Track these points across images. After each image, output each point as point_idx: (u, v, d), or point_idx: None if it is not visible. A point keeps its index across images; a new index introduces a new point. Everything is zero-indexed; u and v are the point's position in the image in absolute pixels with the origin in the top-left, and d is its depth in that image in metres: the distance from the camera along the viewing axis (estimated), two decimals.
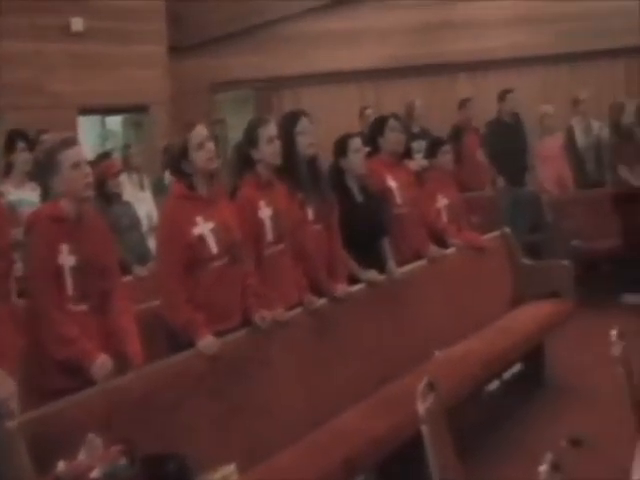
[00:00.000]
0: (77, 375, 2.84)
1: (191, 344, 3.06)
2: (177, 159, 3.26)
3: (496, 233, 5.38)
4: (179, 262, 3.13)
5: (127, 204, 5.42)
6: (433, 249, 4.66)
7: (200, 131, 3.25)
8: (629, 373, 2.79)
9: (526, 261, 5.38)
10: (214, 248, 3.19)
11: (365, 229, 4.11)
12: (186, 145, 3.22)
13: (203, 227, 3.18)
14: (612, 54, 10.76)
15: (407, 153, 5.02)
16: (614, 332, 2.84)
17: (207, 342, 3.06)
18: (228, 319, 3.24)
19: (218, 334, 3.12)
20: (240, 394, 3.10)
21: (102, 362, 2.87)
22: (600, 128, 7.45)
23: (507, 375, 4.58)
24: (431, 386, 2.44)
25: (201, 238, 3.17)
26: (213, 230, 3.20)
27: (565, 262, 5.25)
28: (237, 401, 3.08)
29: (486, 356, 4.15)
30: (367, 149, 4.34)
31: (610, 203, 6.68)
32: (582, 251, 6.60)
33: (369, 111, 7.63)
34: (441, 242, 4.85)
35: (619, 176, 6.59)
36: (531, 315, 4.89)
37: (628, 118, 6.62)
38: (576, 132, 7.43)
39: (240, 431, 3.04)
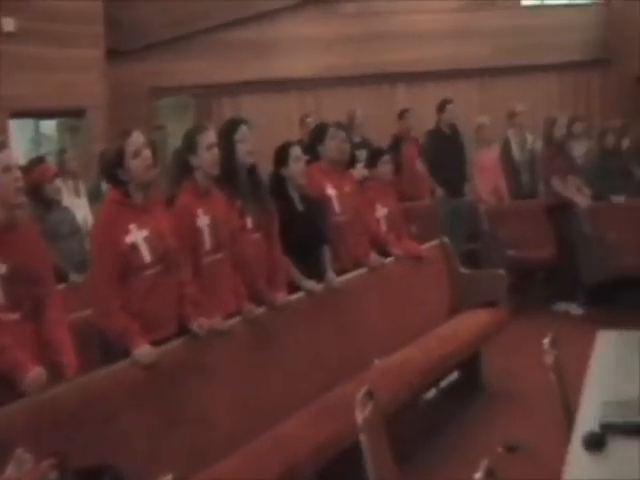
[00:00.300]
0: (8, 387, 2.75)
1: (126, 353, 3.00)
2: (112, 166, 3.19)
3: (434, 242, 5.45)
4: (112, 270, 3.07)
5: (66, 210, 5.31)
6: (374, 257, 4.69)
7: (136, 138, 3.19)
8: (560, 379, 2.86)
9: (463, 270, 5.46)
10: (147, 256, 3.14)
11: (305, 238, 4.11)
12: (122, 152, 3.16)
13: (136, 235, 3.13)
14: (547, 69, 11.09)
15: (352, 162, 5.07)
16: (547, 340, 2.91)
17: (143, 351, 3.00)
18: (162, 328, 3.19)
19: (154, 343, 3.07)
20: (178, 404, 3.06)
21: (36, 374, 2.76)
22: (534, 140, 7.64)
23: (444, 383, 4.64)
24: (369, 395, 2.47)
25: (134, 246, 3.12)
26: (146, 238, 3.15)
27: (501, 271, 5.35)
28: (175, 411, 3.04)
29: (424, 364, 4.20)
30: (307, 157, 4.35)
31: (543, 214, 6.84)
32: (517, 260, 6.74)
33: (310, 119, 7.64)
34: (381, 251, 4.89)
35: (552, 187, 6.74)
36: (468, 323, 4.97)
37: (560, 131, 6.79)
38: (512, 144, 7.60)
39: (178, 441, 3.00)
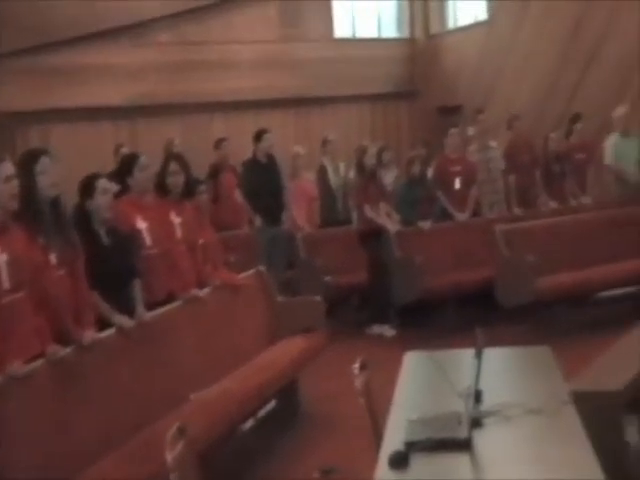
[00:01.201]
0: None
1: None
2: None
3: (251, 271, 5.46)
4: None
5: None
6: (193, 291, 4.62)
7: None
8: (370, 402, 2.96)
9: (281, 298, 5.52)
10: None
11: (114, 272, 3.98)
12: None
13: None
14: (360, 99, 11.63)
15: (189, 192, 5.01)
16: (356, 365, 3.00)
17: None
18: None
19: None
20: None
21: None
22: (347, 168, 7.94)
23: (262, 412, 4.64)
24: (181, 432, 2.41)
25: None
26: None
27: (317, 298, 5.45)
28: None
29: (241, 395, 4.17)
30: (117, 188, 4.24)
31: (356, 240, 7.08)
32: (333, 286, 6.92)
33: (124, 149, 7.46)
34: (198, 282, 4.83)
35: (364, 214, 7.00)
36: (285, 351, 5.01)
37: (371, 160, 7.09)
38: (328, 170, 7.84)
39: None
